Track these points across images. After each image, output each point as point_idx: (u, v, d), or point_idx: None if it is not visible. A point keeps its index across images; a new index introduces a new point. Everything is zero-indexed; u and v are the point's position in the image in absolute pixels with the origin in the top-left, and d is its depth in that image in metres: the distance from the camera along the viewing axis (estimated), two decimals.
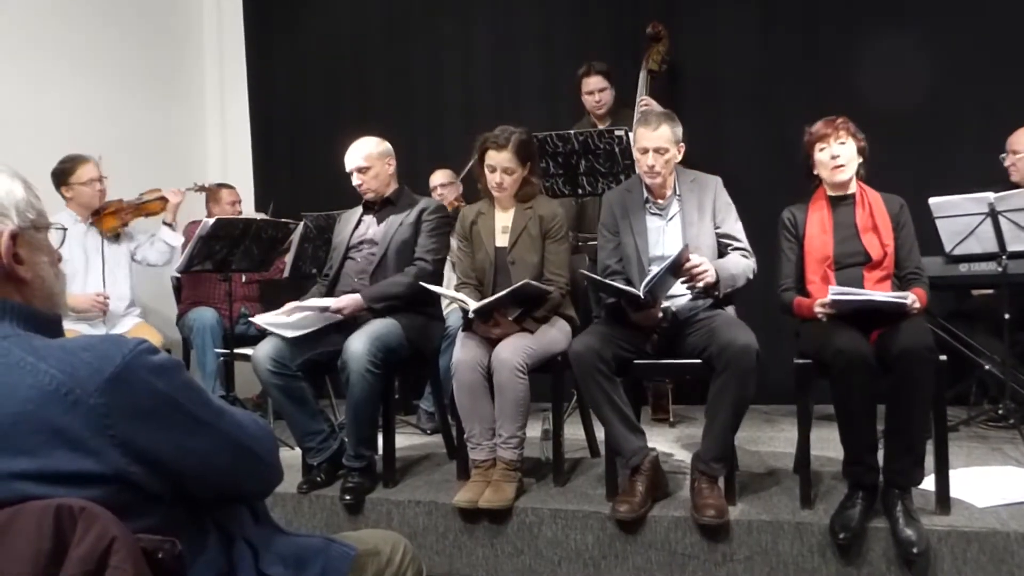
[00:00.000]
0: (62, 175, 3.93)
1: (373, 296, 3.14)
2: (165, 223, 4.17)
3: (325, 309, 3.09)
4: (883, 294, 2.60)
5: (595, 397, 2.71)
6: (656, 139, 2.91)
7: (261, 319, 3.15)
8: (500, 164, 3.06)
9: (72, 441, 0.98)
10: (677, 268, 2.70)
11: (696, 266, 2.72)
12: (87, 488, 0.98)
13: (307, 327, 3.10)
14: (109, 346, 1.02)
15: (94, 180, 3.94)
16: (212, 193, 4.77)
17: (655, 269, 2.94)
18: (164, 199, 4.15)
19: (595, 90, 4.31)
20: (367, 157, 3.29)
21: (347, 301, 3.11)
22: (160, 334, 4.04)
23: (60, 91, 4.63)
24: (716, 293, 2.81)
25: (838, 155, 2.79)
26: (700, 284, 2.75)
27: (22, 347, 1.03)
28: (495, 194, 3.14)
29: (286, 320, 3.08)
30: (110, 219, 4.01)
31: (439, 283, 3.24)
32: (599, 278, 2.85)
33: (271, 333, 3.09)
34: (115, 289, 4.00)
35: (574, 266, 3.23)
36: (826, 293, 2.70)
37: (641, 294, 2.64)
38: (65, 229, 1.26)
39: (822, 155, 2.83)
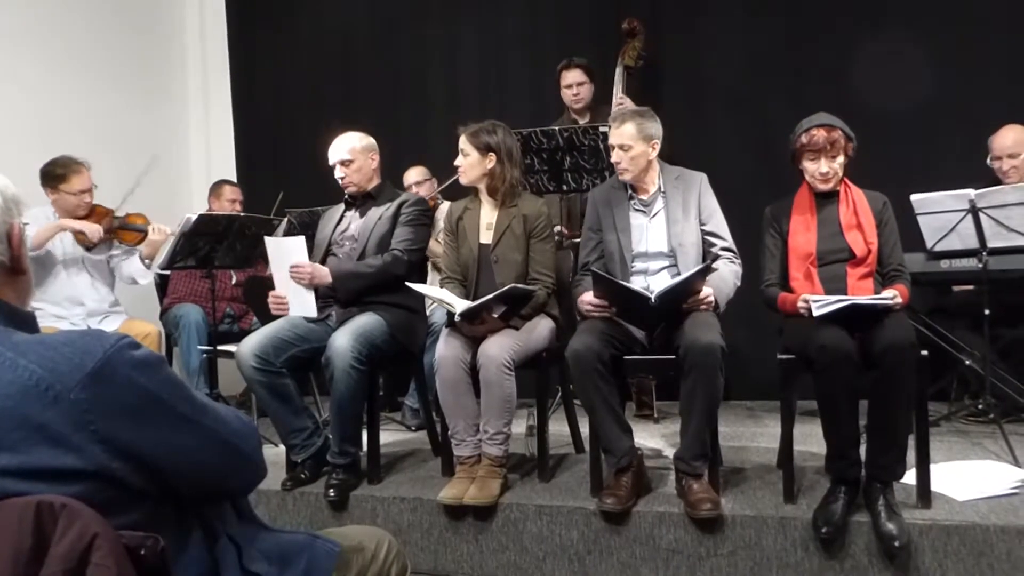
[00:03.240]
0: (53, 179, 3.82)
1: (341, 272, 3.12)
2: (141, 258, 4.02)
3: (297, 264, 3.09)
4: (865, 298, 2.60)
5: (591, 397, 2.70)
6: (618, 136, 2.95)
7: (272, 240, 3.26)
8: (461, 147, 3.13)
9: (53, 437, 0.97)
10: (692, 284, 2.71)
11: (706, 297, 2.75)
12: (69, 484, 0.97)
13: (281, 268, 3.14)
14: (90, 341, 1.01)
15: (84, 192, 3.85)
16: (215, 188, 4.74)
17: (639, 265, 2.96)
18: (144, 232, 3.98)
19: (573, 83, 4.31)
20: (351, 150, 3.28)
21: (315, 266, 3.10)
22: (155, 326, 4.01)
23: (42, 92, 4.58)
24: (717, 310, 2.82)
25: (828, 172, 2.80)
26: (702, 308, 2.77)
27: (1, 342, 1.02)
28: (460, 179, 3.20)
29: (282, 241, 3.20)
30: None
31: (415, 276, 3.23)
32: (610, 278, 2.82)
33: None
34: (95, 290, 3.96)
35: (559, 265, 3.24)
36: (809, 289, 2.71)
37: (653, 298, 2.65)
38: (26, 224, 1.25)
39: (811, 165, 2.82)
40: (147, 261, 4.04)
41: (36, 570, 0.92)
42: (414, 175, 4.60)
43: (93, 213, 3.94)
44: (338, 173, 3.30)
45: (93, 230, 3.85)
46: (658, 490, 2.84)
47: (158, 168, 5.17)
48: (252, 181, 5.59)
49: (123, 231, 4.01)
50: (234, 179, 5.64)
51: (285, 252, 3.13)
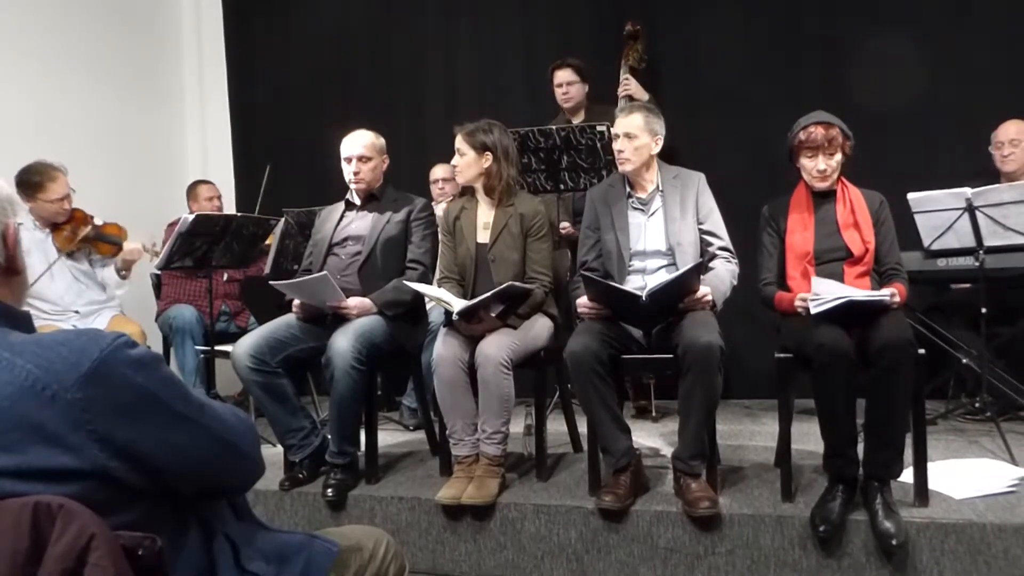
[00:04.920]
0: (30, 188, 3.77)
1: (386, 302, 3.13)
2: (116, 269, 4.00)
3: (337, 305, 3.08)
4: (863, 293, 2.60)
5: (589, 398, 2.70)
6: (625, 124, 2.96)
7: (279, 284, 3.20)
8: (457, 146, 3.14)
9: (50, 437, 0.97)
10: (686, 283, 2.71)
11: (703, 296, 2.76)
12: (66, 484, 0.97)
13: (311, 300, 3.13)
14: (86, 341, 1.01)
15: (61, 199, 3.81)
16: (191, 190, 4.73)
17: (636, 263, 2.97)
18: (119, 245, 3.97)
19: (563, 83, 4.32)
20: (368, 147, 3.29)
21: (357, 303, 3.10)
22: (139, 324, 3.97)
23: (38, 92, 4.57)
24: (714, 309, 2.83)
25: (825, 169, 2.81)
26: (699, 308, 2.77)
27: None
28: (457, 178, 3.22)
29: (298, 281, 3.13)
30: (65, 238, 3.89)
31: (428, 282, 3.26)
32: (600, 279, 2.83)
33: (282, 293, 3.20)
34: (86, 294, 3.95)
35: (556, 264, 3.24)
36: (806, 288, 2.71)
37: (643, 297, 2.65)
38: (20, 223, 1.26)
39: (809, 162, 2.83)
40: (123, 273, 4.02)
41: (34, 570, 0.91)
42: (440, 171, 4.61)
43: (72, 219, 3.92)
44: (352, 169, 3.28)
45: (132, 255, 3.95)
46: (656, 489, 2.84)
47: (155, 168, 5.21)
48: (249, 181, 5.59)
49: (98, 242, 3.98)
50: (232, 179, 5.68)
51: (311, 289, 3.10)
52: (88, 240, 3.94)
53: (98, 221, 3.97)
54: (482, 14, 5.13)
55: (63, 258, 3.89)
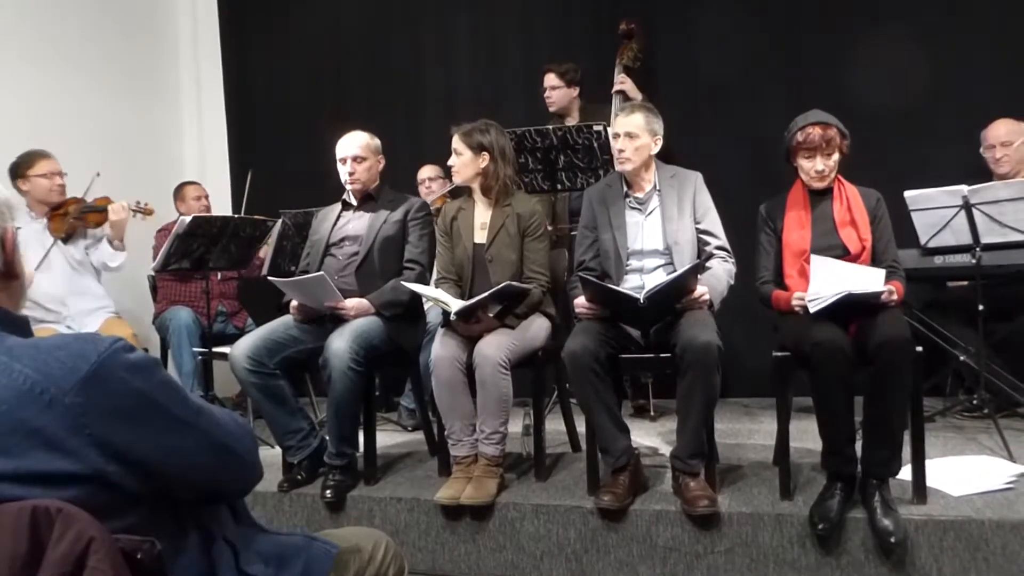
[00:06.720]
0: (18, 168, 3.85)
1: (384, 303, 3.13)
2: (109, 241, 3.99)
3: (334, 306, 3.08)
4: (860, 282, 2.58)
5: (587, 397, 2.71)
6: (626, 124, 2.97)
7: (276, 280, 3.19)
8: (454, 146, 3.15)
9: (48, 441, 0.97)
10: (683, 284, 2.71)
11: (701, 295, 2.76)
12: (64, 488, 0.97)
13: (309, 300, 3.13)
14: (84, 345, 1.01)
15: (53, 174, 3.86)
16: (178, 191, 4.73)
17: (634, 263, 2.96)
18: (104, 211, 3.96)
19: (547, 87, 4.35)
20: (363, 147, 3.29)
21: (354, 303, 3.10)
22: (131, 327, 3.95)
23: (34, 93, 4.55)
24: (711, 308, 2.83)
25: (823, 169, 2.81)
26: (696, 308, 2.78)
27: None
28: (454, 178, 3.23)
29: (295, 279, 3.14)
30: (58, 221, 3.92)
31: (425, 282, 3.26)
32: (597, 281, 2.82)
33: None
34: (81, 287, 3.94)
35: (554, 263, 3.24)
36: (804, 287, 2.71)
37: (641, 299, 2.65)
38: (19, 228, 1.25)
39: (807, 163, 2.82)
40: (116, 243, 3.99)
41: (32, 574, 0.91)
42: (428, 171, 4.63)
43: (65, 204, 3.93)
44: (347, 169, 3.28)
45: (115, 215, 3.89)
46: (655, 488, 2.84)
47: (152, 168, 5.20)
48: (245, 182, 5.57)
49: (86, 214, 3.99)
50: (227, 179, 5.66)
51: (309, 289, 3.10)
52: (79, 216, 3.94)
53: (88, 199, 3.98)
54: (480, 14, 5.12)
55: (59, 243, 3.90)
